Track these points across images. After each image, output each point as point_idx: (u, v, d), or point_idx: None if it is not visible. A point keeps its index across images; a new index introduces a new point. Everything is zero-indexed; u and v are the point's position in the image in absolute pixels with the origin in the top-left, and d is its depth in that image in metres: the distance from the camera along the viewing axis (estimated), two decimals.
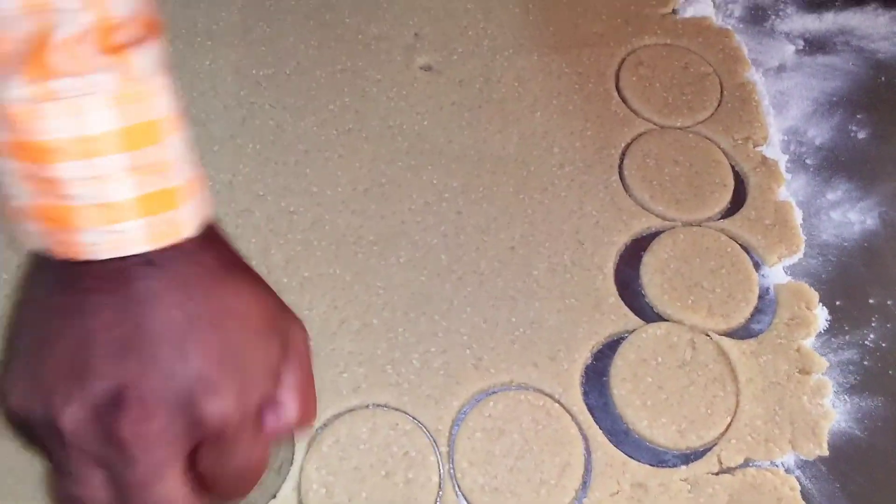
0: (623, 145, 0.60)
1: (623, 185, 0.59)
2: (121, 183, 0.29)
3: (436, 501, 0.47)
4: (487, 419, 0.49)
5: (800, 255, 0.57)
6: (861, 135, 0.63)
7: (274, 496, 0.47)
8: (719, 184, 0.58)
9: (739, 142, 0.61)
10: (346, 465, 0.47)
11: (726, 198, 0.58)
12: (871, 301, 0.55)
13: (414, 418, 0.49)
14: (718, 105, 0.63)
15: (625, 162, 0.59)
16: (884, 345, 0.53)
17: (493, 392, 0.50)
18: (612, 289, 0.54)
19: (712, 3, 0.70)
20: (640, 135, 0.61)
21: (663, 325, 0.52)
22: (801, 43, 0.68)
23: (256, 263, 0.53)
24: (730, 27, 0.68)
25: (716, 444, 0.49)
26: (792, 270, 0.56)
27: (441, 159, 0.59)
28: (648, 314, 0.53)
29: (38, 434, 0.31)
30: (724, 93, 0.63)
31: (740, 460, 0.48)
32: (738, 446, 0.49)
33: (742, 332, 0.53)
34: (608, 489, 0.47)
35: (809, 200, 0.59)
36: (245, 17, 0.66)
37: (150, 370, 0.30)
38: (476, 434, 0.48)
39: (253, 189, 0.57)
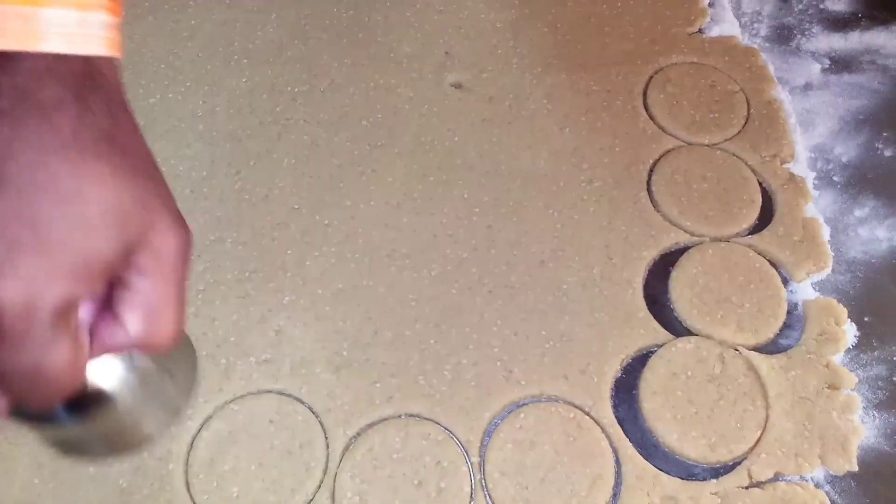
0: (651, 161, 0.61)
1: (651, 200, 0.59)
2: None
3: None
4: (518, 431, 0.50)
5: (828, 271, 0.57)
6: (887, 152, 0.63)
7: (138, 445, 0.39)
8: (747, 200, 0.59)
9: (767, 159, 0.62)
10: (379, 473, 0.48)
11: (754, 214, 0.59)
12: None
13: (446, 429, 0.50)
14: (745, 122, 0.63)
15: (653, 178, 0.60)
16: None
17: (524, 404, 0.51)
18: (642, 303, 0.55)
19: (738, 23, 0.71)
20: (668, 151, 0.62)
21: (692, 339, 0.53)
22: (826, 62, 0.68)
23: (292, 275, 0.55)
24: (756, 46, 0.69)
25: (746, 458, 0.49)
26: (820, 286, 0.57)
27: (472, 174, 0.60)
28: (677, 328, 0.54)
29: None
30: (751, 110, 0.64)
31: (770, 474, 0.49)
32: (767, 461, 0.49)
33: (771, 348, 0.54)
34: (638, 502, 0.48)
35: (837, 217, 0.60)
36: (280, 36, 0.68)
37: None
38: (507, 445, 0.49)
39: (289, 202, 0.58)
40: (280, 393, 0.50)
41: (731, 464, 0.49)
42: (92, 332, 0.31)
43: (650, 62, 0.67)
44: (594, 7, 0.70)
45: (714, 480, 0.49)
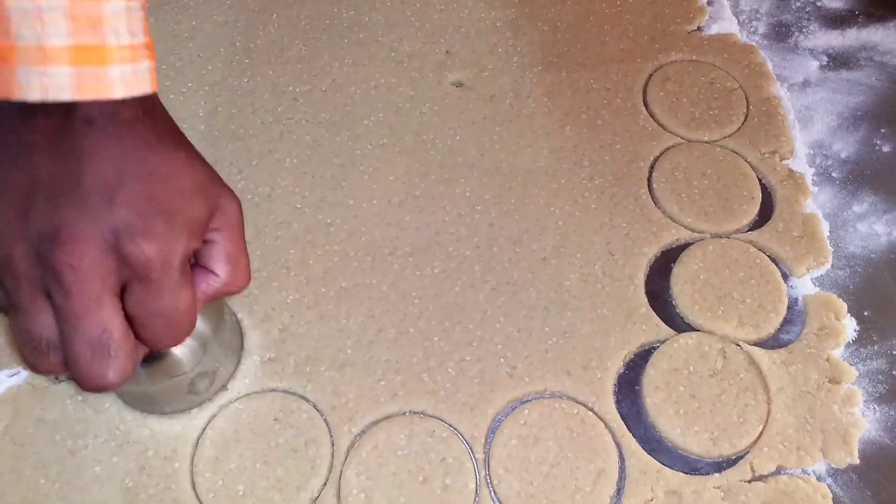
0: (652, 159, 0.62)
1: (652, 197, 0.60)
2: (56, 27, 0.33)
3: None
4: (522, 426, 0.50)
5: (827, 266, 0.57)
6: (885, 148, 0.64)
7: (198, 405, 0.50)
8: (747, 196, 0.59)
9: (766, 155, 0.62)
10: (384, 470, 0.48)
11: (754, 210, 0.59)
12: None
13: (450, 425, 0.50)
14: (745, 119, 0.64)
15: (653, 175, 0.61)
16: None
17: (528, 400, 0.51)
18: (643, 299, 0.55)
19: (737, 21, 0.71)
20: (668, 148, 0.62)
21: (694, 334, 0.53)
22: (824, 59, 0.69)
23: (295, 274, 0.55)
24: (754, 43, 0.69)
25: (748, 452, 0.50)
26: (820, 282, 0.57)
27: (473, 172, 0.60)
28: (679, 324, 0.54)
29: None
30: (751, 107, 0.65)
31: (772, 468, 0.49)
32: (770, 454, 0.49)
33: (772, 342, 0.54)
34: (642, 496, 0.48)
35: (836, 213, 0.60)
36: (281, 36, 0.68)
37: (83, 214, 0.34)
38: (511, 441, 0.49)
39: (291, 201, 0.58)
40: (285, 391, 0.51)
41: (733, 458, 0.50)
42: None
43: (649, 60, 0.67)
44: (593, 6, 0.71)
45: (717, 474, 0.49)
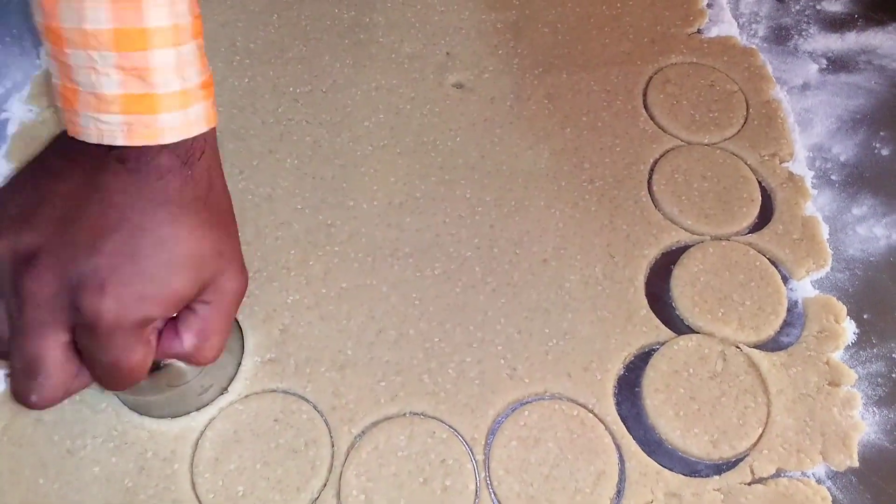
0: (652, 161, 0.62)
1: (652, 199, 0.60)
2: (108, 78, 0.34)
3: None
4: (523, 428, 0.50)
5: (827, 269, 0.58)
6: (885, 151, 0.64)
7: (197, 409, 0.50)
8: (747, 199, 0.59)
9: (766, 158, 0.62)
10: (384, 471, 0.48)
11: (754, 213, 0.59)
12: None
13: (450, 427, 0.50)
14: (745, 122, 0.64)
15: (654, 177, 0.61)
16: None
17: (528, 402, 0.51)
18: (643, 301, 0.55)
19: (736, 24, 0.71)
20: (668, 151, 0.62)
21: (694, 336, 0.53)
22: (824, 62, 0.69)
23: (296, 274, 0.55)
24: (754, 46, 0.69)
25: (748, 454, 0.50)
26: (819, 284, 0.57)
27: (474, 174, 0.60)
28: (679, 326, 0.54)
29: None
30: (750, 110, 0.65)
31: (772, 471, 0.49)
32: (769, 457, 0.49)
33: (772, 345, 0.54)
34: (642, 498, 0.48)
35: (835, 216, 0.60)
36: (282, 36, 0.68)
37: (64, 249, 0.35)
38: (512, 443, 0.49)
39: (291, 202, 0.58)
40: (285, 392, 0.51)
41: (733, 460, 0.50)
42: (157, 338, 0.39)
43: (650, 62, 0.67)
44: (594, 8, 0.71)
45: (717, 477, 0.49)
